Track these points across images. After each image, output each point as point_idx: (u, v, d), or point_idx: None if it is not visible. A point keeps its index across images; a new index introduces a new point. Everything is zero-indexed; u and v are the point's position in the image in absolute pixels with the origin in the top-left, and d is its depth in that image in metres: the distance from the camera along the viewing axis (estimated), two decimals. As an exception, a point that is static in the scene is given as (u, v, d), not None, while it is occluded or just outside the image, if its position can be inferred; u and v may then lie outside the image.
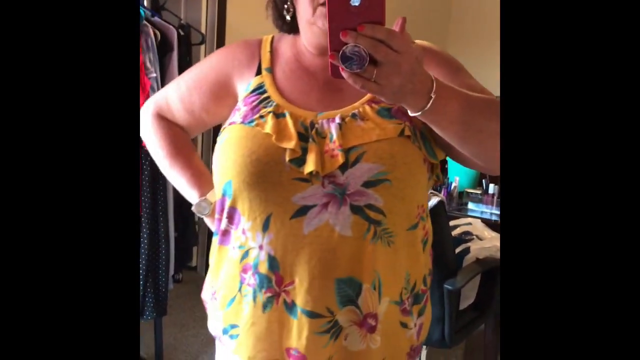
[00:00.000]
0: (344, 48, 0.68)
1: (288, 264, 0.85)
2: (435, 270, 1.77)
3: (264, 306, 0.87)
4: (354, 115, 0.87)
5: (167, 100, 1.05)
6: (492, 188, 2.37)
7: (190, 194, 1.05)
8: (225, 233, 0.92)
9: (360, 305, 0.86)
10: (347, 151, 0.84)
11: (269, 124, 0.86)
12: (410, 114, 0.77)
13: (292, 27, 0.95)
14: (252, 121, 0.88)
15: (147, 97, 1.82)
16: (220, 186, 0.91)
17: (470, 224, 2.09)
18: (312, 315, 0.85)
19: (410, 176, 0.86)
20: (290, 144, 0.84)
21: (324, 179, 0.84)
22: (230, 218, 0.90)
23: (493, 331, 2.18)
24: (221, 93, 0.99)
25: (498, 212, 2.35)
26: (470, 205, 2.41)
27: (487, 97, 0.84)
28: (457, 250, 1.98)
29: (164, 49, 1.92)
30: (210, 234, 3.42)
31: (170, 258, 2.04)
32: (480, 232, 2.04)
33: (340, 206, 0.84)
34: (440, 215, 1.69)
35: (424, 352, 2.32)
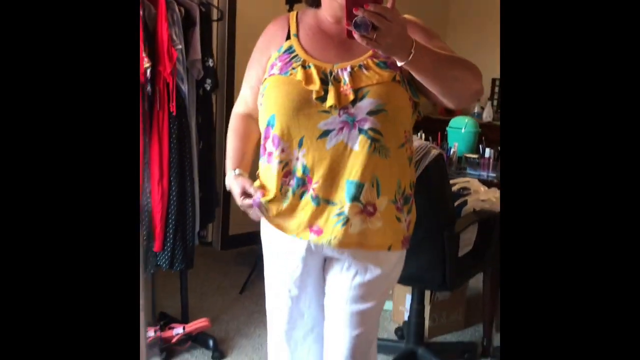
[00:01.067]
0: (355, 18, 1.02)
1: (315, 170, 1.21)
2: (435, 219, 1.99)
3: (300, 196, 1.25)
4: (360, 66, 1.23)
5: (243, 93, 1.42)
6: (488, 152, 2.57)
7: (227, 166, 1.39)
8: (271, 154, 1.27)
9: (362, 200, 1.22)
10: (356, 91, 1.21)
11: (299, 74, 1.22)
12: (398, 64, 1.11)
13: (316, 3, 1.33)
14: (287, 72, 1.24)
15: (174, 65, 2.02)
16: (265, 119, 1.26)
17: (467, 181, 2.29)
18: (329, 202, 1.23)
19: (400, 108, 1.24)
20: (315, 86, 1.21)
21: (340, 111, 1.21)
22: (275, 142, 1.25)
23: (490, 281, 2.37)
24: (264, 61, 1.32)
25: (494, 175, 2.54)
26: (469, 170, 2.61)
27: (451, 55, 1.20)
28: (456, 203, 2.17)
29: (187, 23, 2.13)
30: (226, 214, 3.65)
31: (195, 215, 2.24)
32: (477, 188, 2.23)
33: (351, 129, 1.22)
34: (439, 167, 1.88)
35: (427, 309, 2.51)
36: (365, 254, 1.29)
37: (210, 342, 2.36)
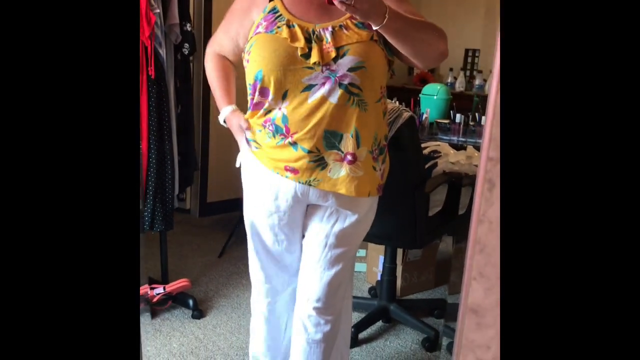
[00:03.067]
0: None
1: (295, 120, 1.31)
2: (405, 179, 2.07)
3: (278, 142, 1.34)
4: (340, 26, 1.32)
5: (218, 37, 1.50)
6: (458, 117, 2.66)
7: (220, 103, 1.52)
8: (258, 104, 1.36)
9: (341, 148, 1.33)
10: (337, 49, 1.29)
11: (284, 32, 1.30)
12: (373, 28, 1.23)
13: None
14: (272, 30, 1.32)
15: (152, 29, 2.05)
16: (253, 74, 1.33)
17: (438, 145, 2.38)
18: (306, 150, 1.33)
19: (377, 65, 1.34)
20: (300, 43, 1.29)
21: (323, 67, 1.30)
22: (262, 94, 1.35)
23: (457, 241, 2.49)
24: (246, 21, 1.40)
25: (463, 139, 2.64)
26: (440, 135, 2.70)
27: (420, 20, 1.31)
28: (427, 165, 2.27)
29: (165, -12, 2.15)
30: (204, 182, 3.72)
31: (175, 178, 2.29)
32: (447, 151, 2.33)
33: (332, 84, 1.29)
34: (411, 128, 1.96)
35: (399, 268, 2.62)
36: (346, 200, 1.40)
37: (190, 302, 2.44)
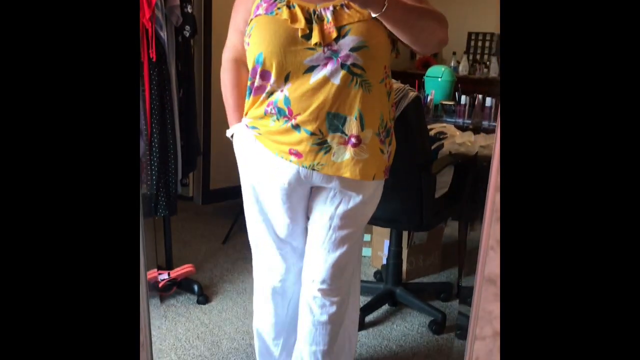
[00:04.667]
0: None
1: (297, 101, 1.28)
2: (411, 160, 2.05)
3: (282, 124, 1.31)
4: (342, 6, 1.29)
5: (230, 39, 1.46)
6: (464, 99, 2.63)
7: (231, 119, 1.48)
8: (259, 88, 1.33)
9: (345, 131, 1.30)
10: (339, 29, 1.25)
11: (284, 13, 1.27)
12: (372, 15, 1.23)
13: None
14: (272, 12, 1.28)
15: (153, 11, 2.02)
16: (253, 57, 1.30)
17: (444, 126, 2.35)
18: (310, 133, 1.30)
19: (380, 44, 1.30)
20: (301, 24, 1.25)
21: (324, 47, 1.26)
22: (263, 77, 1.31)
23: (464, 223, 2.47)
24: (251, 6, 1.35)
25: (469, 121, 2.61)
26: (445, 117, 2.68)
27: (420, 6, 1.28)
28: (433, 147, 2.24)
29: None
30: (206, 169, 3.68)
31: (178, 162, 2.27)
32: (453, 132, 2.30)
33: (335, 65, 1.27)
34: (417, 108, 1.93)
35: (404, 252, 2.60)
36: (351, 183, 1.37)
37: (195, 287, 2.43)
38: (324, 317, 1.48)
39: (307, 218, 1.48)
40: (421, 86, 2.91)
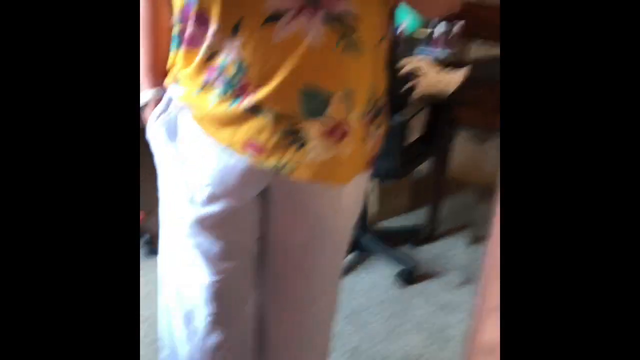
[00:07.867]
0: None
1: (255, 68, 0.86)
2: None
3: (230, 104, 0.90)
4: None
5: None
6: (443, 25, 2.33)
7: (143, 79, 1.03)
8: (192, 40, 0.90)
9: (330, 114, 0.90)
10: None
11: None
12: None
13: None
14: None
15: None
16: None
17: (418, 62, 2.12)
18: (275, 115, 0.89)
19: None
20: None
21: None
22: (199, 23, 0.87)
23: (437, 164, 2.29)
24: None
25: (446, 53, 2.36)
26: (421, 47, 2.41)
27: None
28: (405, 87, 2.02)
29: None
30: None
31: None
32: (427, 70, 2.07)
33: (314, 15, 0.83)
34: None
35: (372, 195, 2.45)
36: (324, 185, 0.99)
37: (147, 237, 2.24)
38: None
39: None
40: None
